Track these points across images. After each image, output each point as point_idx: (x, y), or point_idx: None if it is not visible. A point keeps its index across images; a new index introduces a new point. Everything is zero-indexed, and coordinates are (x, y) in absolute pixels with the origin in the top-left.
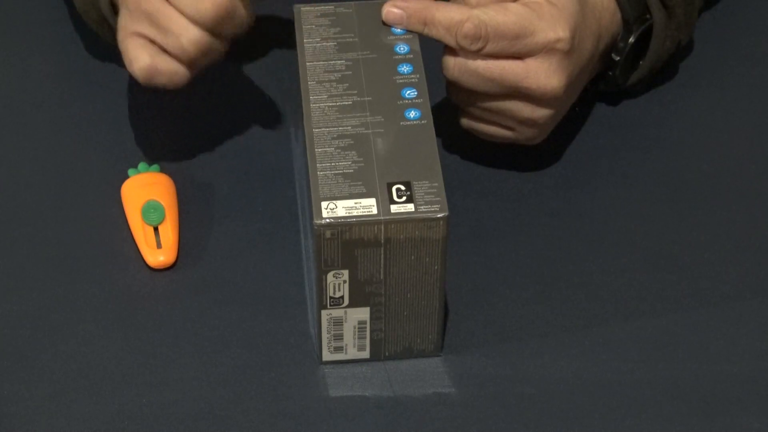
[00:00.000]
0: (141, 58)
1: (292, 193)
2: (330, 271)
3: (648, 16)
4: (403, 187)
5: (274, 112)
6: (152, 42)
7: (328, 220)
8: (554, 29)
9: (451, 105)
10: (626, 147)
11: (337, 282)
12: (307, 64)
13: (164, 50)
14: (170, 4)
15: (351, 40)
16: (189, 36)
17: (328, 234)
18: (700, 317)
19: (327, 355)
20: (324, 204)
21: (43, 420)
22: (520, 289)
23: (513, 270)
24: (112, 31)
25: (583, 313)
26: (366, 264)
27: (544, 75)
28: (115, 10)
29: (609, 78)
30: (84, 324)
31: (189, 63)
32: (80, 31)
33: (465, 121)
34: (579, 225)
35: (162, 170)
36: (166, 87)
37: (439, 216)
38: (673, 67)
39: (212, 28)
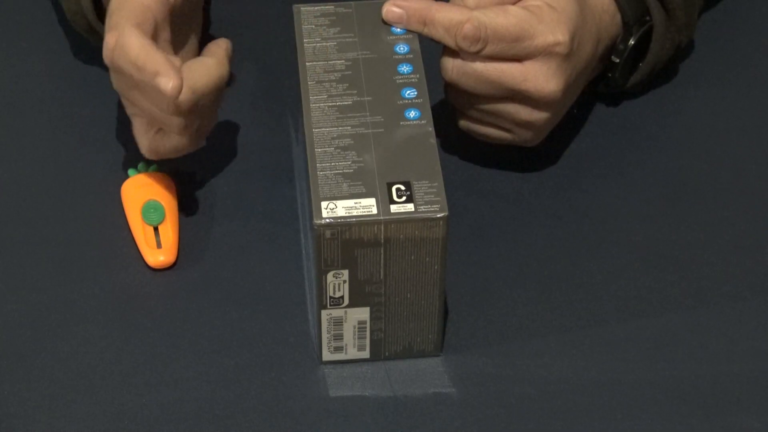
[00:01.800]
0: (142, 143)
1: (292, 193)
2: (330, 271)
3: (648, 17)
4: (402, 187)
5: (274, 112)
6: (153, 122)
7: (328, 220)
8: (554, 33)
9: (451, 105)
10: (626, 147)
11: (337, 282)
12: (307, 64)
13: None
14: (148, 100)
15: (351, 40)
16: (178, 123)
17: (328, 234)
18: (700, 317)
19: (327, 355)
20: (324, 204)
21: (43, 420)
22: (520, 289)
23: (513, 270)
24: (100, 37)
25: (583, 313)
26: (366, 264)
27: (542, 78)
28: (101, 18)
29: (608, 80)
30: (84, 324)
31: (193, 133)
32: (79, 32)
33: (463, 123)
34: (579, 225)
35: (162, 170)
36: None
37: (439, 216)
38: (673, 67)
39: (191, 110)
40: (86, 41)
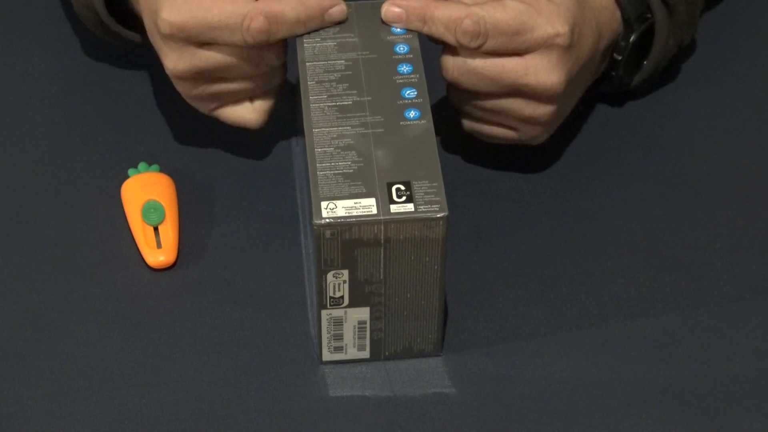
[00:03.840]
0: (250, 119)
1: (292, 193)
2: (330, 271)
3: (649, 14)
4: (402, 187)
5: (274, 113)
6: (244, 97)
7: (327, 220)
8: (553, 24)
9: (451, 105)
10: (626, 147)
11: (337, 282)
12: (307, 63)
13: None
14: (227, 80)
15: (351, 39)
16: (280, 74)
17: (327, 234)
18: (700, 317)
19: (327, 355)
20: (324, 204)
21: (43, 420)
22: (520, 289)
23: (513, 270)
24: (110, 32)
25: (583, 313)
26: (366, 264)
27: (543, 71)
28: (110, 11)
29: (613, 78)
30: (84, 324)
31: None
32: (80, 31)
33: (467, 124)
34: (579, 225)
35: (162, 170)
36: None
37: (438, 216)
38: (674, 67)
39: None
40: (87, 41)
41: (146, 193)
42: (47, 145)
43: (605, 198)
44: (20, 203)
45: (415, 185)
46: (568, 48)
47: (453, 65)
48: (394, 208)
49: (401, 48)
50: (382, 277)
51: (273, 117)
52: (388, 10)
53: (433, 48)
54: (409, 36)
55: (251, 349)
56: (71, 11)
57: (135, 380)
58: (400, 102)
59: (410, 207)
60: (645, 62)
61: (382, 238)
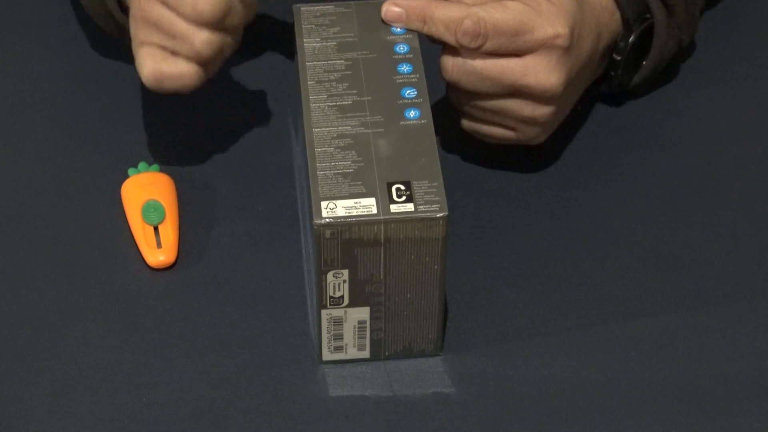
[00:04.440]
0: (146, 65)
1: (292, 193)
2: (330, 270)
3: (648, 15)
4: (402, 187)
5: (274, 112)
6: (164, 48)
7: (327, 220)
8: (553, 25)
9: (451, 104)
10: (626, 147)
11: (337, 282)
12: (307, 63)
13: (178, 54)
14: (172, 10)
15: (351, 39)
16: (201, 38)
17: (327, 234)
18: (700, 317)
19: (327, 355)
20: (324, 204)
21: (43, 420)
22: (520, 289)
23: (513, 270)
24: (118, 25)
25: (583, 313)
26: (366, 264)
27: (543, 72)
28: (121, 6)
29: (612, 79)
30: (84, 324)
31: (205, 63)
32: (80, 31)
33: (466, 123)
34: (579, 225)
35: (162, 170)
36: (178, 92)
37: (438, 216)
38: (674, 67)
39: (217, 25)
40: (87, 41)
41: (146, 193)
42: (47, 145)
43: (605, 198)
44: (20, 203)
45: (415, 185)
46: (568, 49)
47: (453, 65)
48: (394, 207)
49: (401, 48)
50: (382, 276)
51: (273, 117)
52: (389, 10)
53: (433, 48)
54: (409, 36)
55: (251, 349)
56: (77, 5)
57: (135, 380)
58: (400, 102)
59: (410, 207)
60: (644, 62)
61: (382, 237)
